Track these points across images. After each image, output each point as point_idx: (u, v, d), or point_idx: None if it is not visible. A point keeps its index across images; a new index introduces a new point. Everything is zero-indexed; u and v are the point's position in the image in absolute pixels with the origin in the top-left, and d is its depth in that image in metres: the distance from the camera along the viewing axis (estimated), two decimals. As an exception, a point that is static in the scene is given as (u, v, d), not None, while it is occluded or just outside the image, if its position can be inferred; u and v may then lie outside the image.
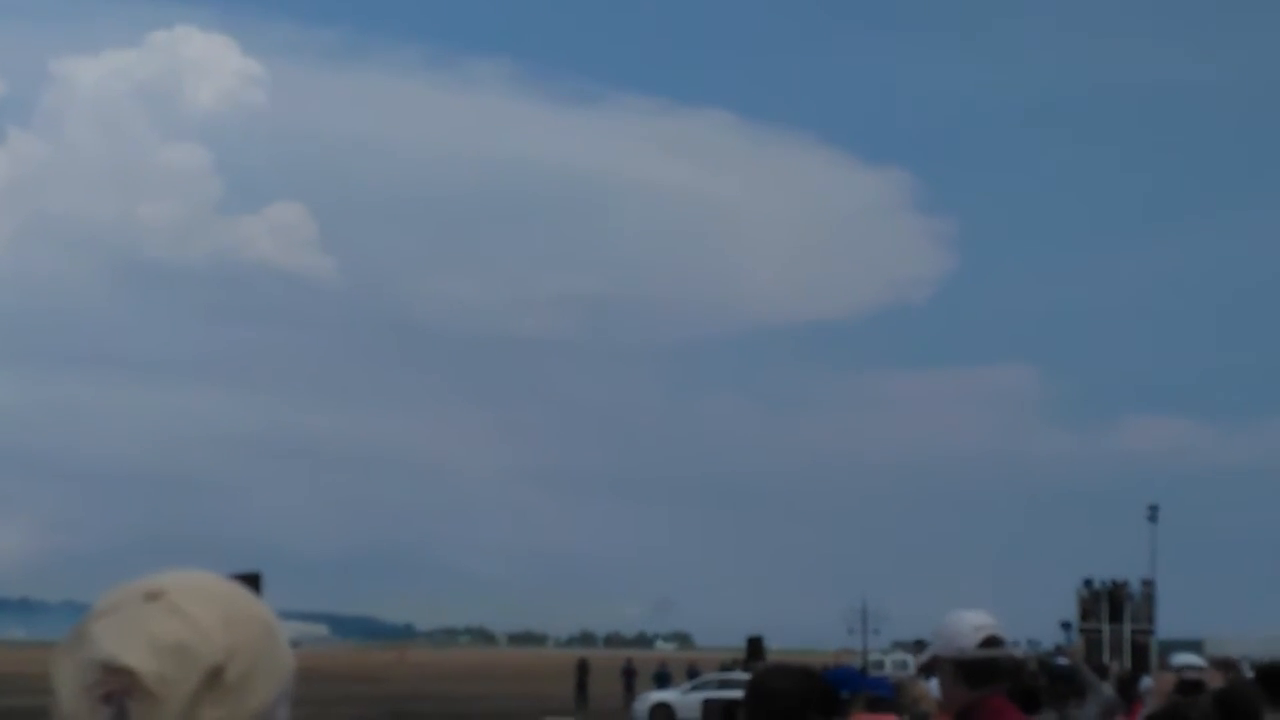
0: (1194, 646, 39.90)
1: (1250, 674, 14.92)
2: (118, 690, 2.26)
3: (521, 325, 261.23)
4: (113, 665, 2.26)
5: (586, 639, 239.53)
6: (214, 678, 2.29)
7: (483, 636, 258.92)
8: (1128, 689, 15.61)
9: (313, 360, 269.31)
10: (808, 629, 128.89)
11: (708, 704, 53.27)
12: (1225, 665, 10.14)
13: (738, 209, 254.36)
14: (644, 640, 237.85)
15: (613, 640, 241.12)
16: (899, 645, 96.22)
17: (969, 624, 6.03)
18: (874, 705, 8.07)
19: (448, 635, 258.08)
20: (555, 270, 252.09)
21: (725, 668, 67.03)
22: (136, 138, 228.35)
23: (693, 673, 69.69)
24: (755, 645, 69.58)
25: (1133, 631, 63.92)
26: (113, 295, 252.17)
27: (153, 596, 2.32)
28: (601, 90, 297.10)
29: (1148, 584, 66.39)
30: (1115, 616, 64.35)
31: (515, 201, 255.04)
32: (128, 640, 2.27)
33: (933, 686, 9.39)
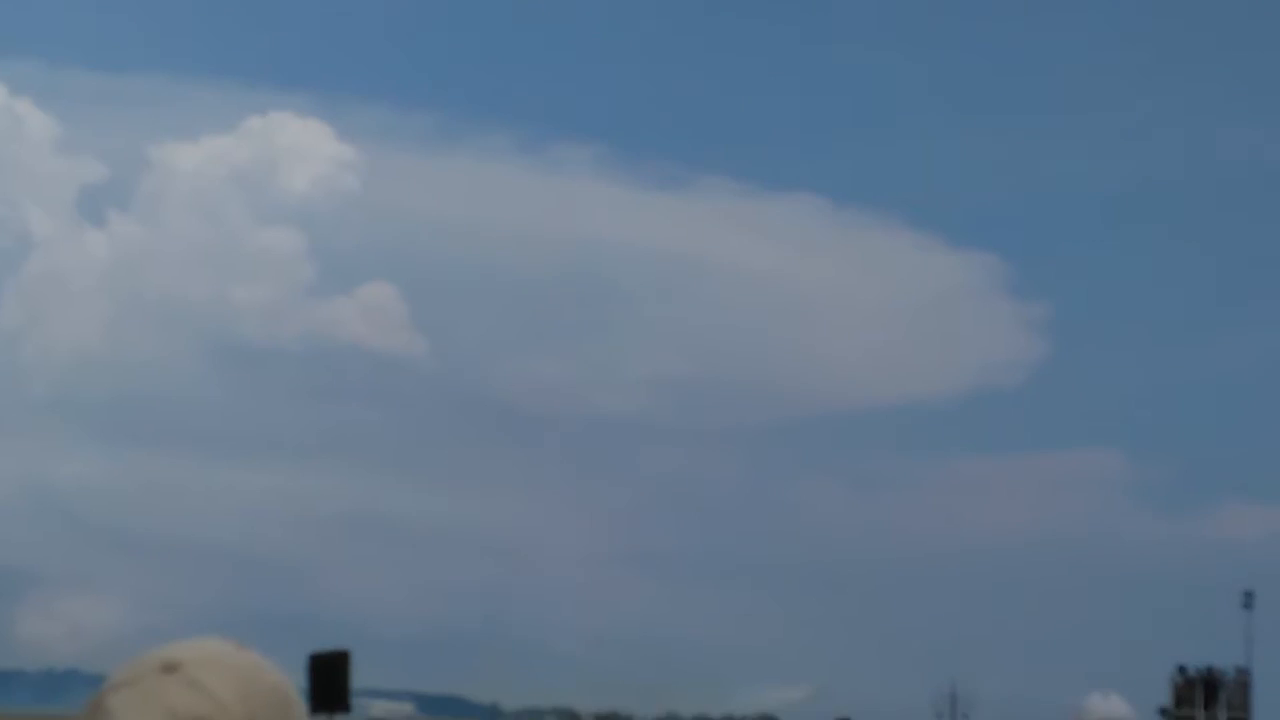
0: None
1: None
2: None
3: (608, 406, 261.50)
4: None
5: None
6: None
7: (569, 716, 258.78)
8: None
9: (403, 440, 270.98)
10: (897, 713, 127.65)
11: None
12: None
13: (826, 292, 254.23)
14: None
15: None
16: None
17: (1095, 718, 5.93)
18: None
19: (534, 715, 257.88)
20: (642, 351, 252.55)
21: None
22: (232, 222, 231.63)
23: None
24: (844, 729, 69.14)
25: (1228, 719, 62.94)
26: (206, 376, 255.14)
27: (169, 668, 2.29)
28: (689, 174, 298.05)
29: (1243, 672, 65.40)
30: (1210, 703, 63.40)
31: (603, 283, 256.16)
32: (146, 714, 2.23)
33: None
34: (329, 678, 34.85)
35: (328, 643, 37.43)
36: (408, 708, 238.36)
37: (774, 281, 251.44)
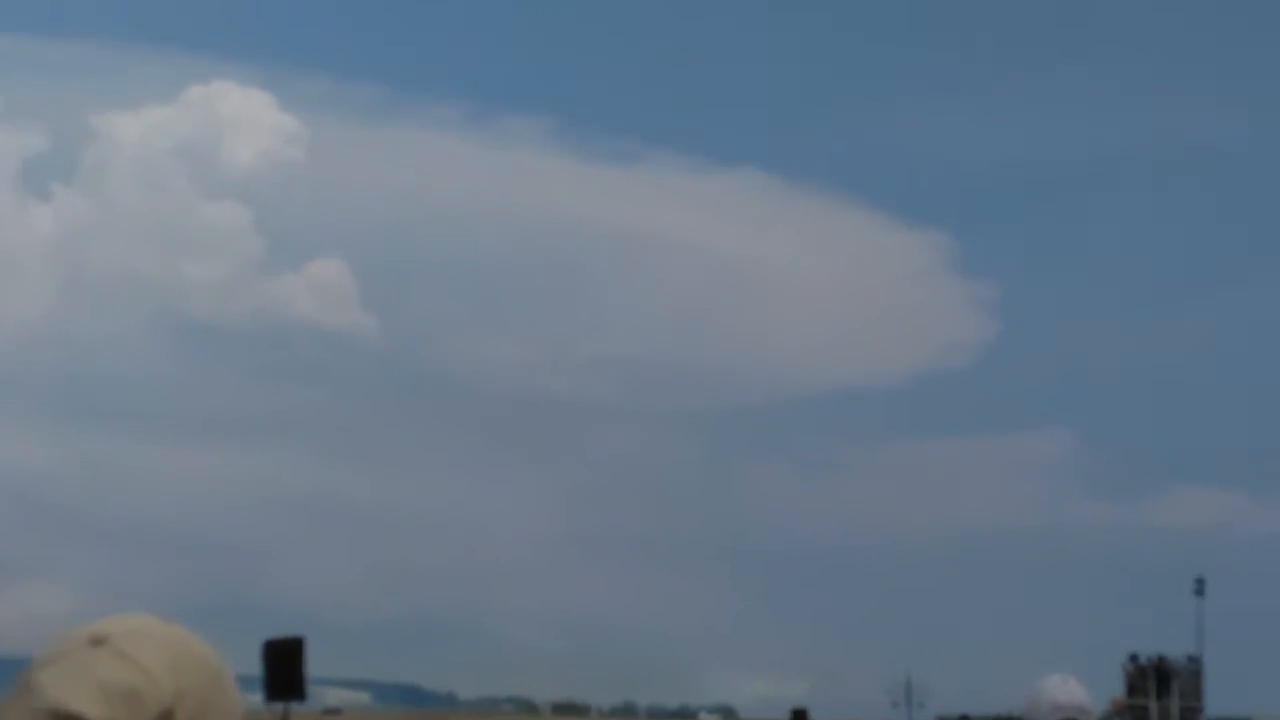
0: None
1: None
2: None
3: (560, 387, 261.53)
4: (62, 713, 2.21)
5: (629, 710, 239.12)
6: None
7: (525, 706, 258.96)
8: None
9: (355, 421, 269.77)
10: (851, 701, 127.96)
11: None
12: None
13: (776, 271, 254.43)
14: (686, 712, 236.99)
15: (656, 712, 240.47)
16: (942, 718, 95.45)
17: (1049, 702, 5.92)
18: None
19: (490, 704, 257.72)
20: (593, 331, 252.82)
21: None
22: (177, 195, 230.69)
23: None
24: (799, 718, 69.05)
25: (1181, 708, 63.23)
26: (155, 354, 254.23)
27: (97, 642, 2.28)
28: (641, 148, 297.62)
29: (1194, 659, 65.75)
30: (1163, 692, 63.72)
31: (553, 260, 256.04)
32: (76, 687, 2.22)
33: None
34: (284, 665, 34.60)
35: (282, 629, 37.15)
36: (364, 697, 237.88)
37: (724, 260, 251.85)
